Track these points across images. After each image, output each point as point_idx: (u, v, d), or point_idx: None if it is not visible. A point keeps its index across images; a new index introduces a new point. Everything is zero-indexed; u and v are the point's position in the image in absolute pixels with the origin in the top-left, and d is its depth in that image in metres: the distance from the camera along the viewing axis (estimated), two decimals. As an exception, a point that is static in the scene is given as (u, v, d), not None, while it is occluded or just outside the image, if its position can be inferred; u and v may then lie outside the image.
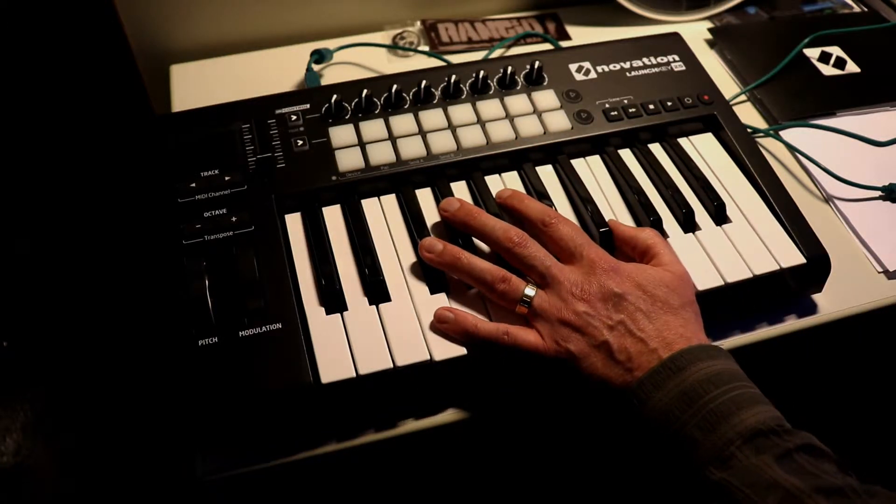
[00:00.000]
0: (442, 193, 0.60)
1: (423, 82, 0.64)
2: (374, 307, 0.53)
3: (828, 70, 0.81)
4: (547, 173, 0.63)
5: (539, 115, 0.65)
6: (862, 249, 0.66)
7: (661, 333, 0.49)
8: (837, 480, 0.41)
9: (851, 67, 0.81)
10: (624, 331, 0.49)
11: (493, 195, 0.59)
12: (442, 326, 0.51)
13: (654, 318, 0.49)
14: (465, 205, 0.56)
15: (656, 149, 0.66)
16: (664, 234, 0.59)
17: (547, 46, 0.84)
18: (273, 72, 0.79)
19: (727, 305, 0.58)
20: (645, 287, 0.51)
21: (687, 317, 0.50)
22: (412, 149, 0.61)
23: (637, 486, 0.71)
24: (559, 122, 0.64)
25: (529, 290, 0.51)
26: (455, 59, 0.81)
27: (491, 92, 0.66)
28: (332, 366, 0.49)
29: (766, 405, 0.45)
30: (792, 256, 0.57)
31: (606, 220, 0.58)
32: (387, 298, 0.53)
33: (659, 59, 0.70)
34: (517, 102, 0.65)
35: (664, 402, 0.45)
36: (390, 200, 0.60)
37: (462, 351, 0.51)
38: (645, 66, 0.70)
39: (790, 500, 0.40)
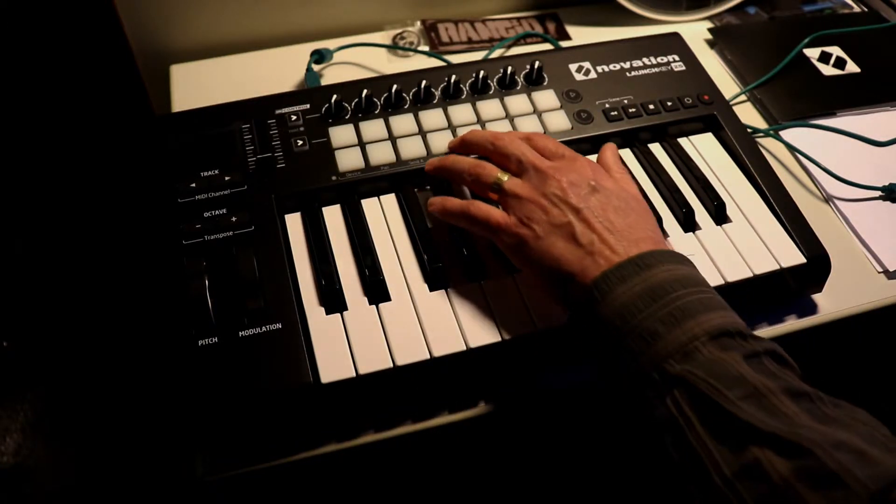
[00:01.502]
0: (442, 193, 0.59)
1: (423, 82, 0.64)
2: (373, 307, 0.53)
3: (828, 70, 0.81)
4: (547, 173, 0.63)
5: (539, 115, 0.65)
6: (862, 249, 0.66)
7: (630, 230, 0.47)
8: (804, 386, 0.40)
9: (851, 67, 0.81)
10: (590, 215, 0.48)
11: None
12: (430, 209, 0.55)
13: (624, 215, 0.48)
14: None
15: (656, 149, 0.66)
16: (664, 234, 0.59)
17: (547, 46, 0.84)
18: (273, 72, 0.79)
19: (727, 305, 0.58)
20: (621, 192, 0.50)
21: (656, 229, 0.49)
22: (412, 149, 0.61)
23: (635, 486, 0.71)
24: (559, 122, 0.64)
25: (503, 176, 0.52)
26: (455, 59, 0.81)
27: (491, 92, 0.66)
28: (332, 366, 0.49)
29: (732, 313, 0.44)
30: (792, 256, 0.57)
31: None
32: (387, 298, 0.53)
33: (659, 59, 0.70)
34: (517, 102, 0.65)
35: (627, 296, 0.43)
36: (390, 200, 0.60)
37: (461, 347, 0.51)
38: (645, 66, 0.70)
39: (757, 396, 0.38)
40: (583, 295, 0.45)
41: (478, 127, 0.63)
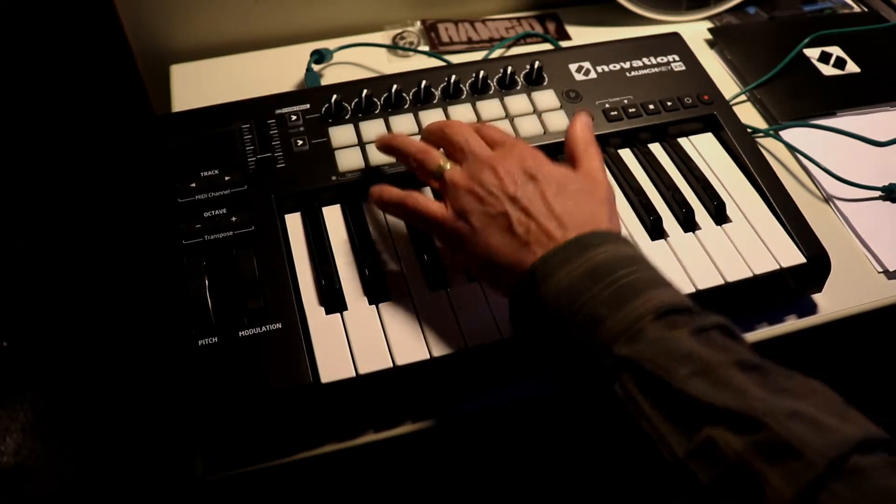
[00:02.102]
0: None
1: (423, 82, 0.64)
2: (373, 307, 0.53)
3: (828, 70, 0.81)
4: (547, 173, 0.63)
5: (539, 115, 0.65)
6: (862, 249, 0.66)
7: (569, 215, 0.46)
8: (755, 358, 0.39)
9: (851, 67, 0.81)
10: (527, 203, 0.46)
11: None
12: (371, 198, 0.53)
13: (562, 201, 0.47)
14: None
15: (656, 149, 0.66)
16: (664, 234, 0.59)
17: (547, 46, 0.84)
18: (273, 72, 0.79)
19: (727, 305, 0.57)
20: (560, 178, 0.49)
21: (599, 210, 0.48)
22: (412, 149, 0.61)
23: (634, 486, 0.71)
24: (559, 122, 0.64)
25: (445, 164, 0.51)
26: (455, 59, 0.81)
27: (491, 92, 0.66)
28: (332, 365, 0.49)
29: (677, 290, 0.43)
30: (792, 256, 0.57)
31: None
32: (387, 298, 0.53)
33: (659, 59, 0.70)
34: (517, 102, 0.65)
35: (569, 279, 0.42)
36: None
37: (461, 346, 0.51)
38: (645, 66, 0.70)
39: (706, 371, 0.37)
40: (522, 282, 0.44)
41: (478, 127, 0.63)
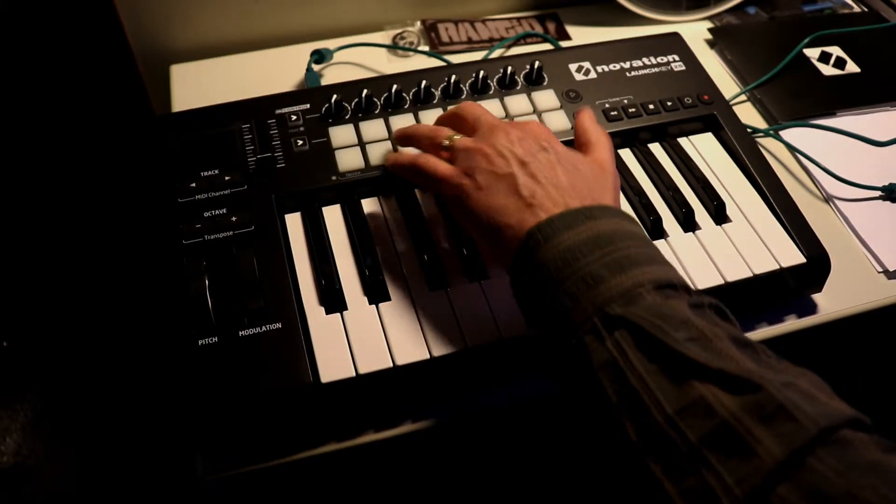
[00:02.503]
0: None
1: (423, 82, 0.64)
2: (373, 307, 0.53)
3: (828, 70, 0.81)
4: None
5: (539, 115, 0.65)
6: (862, 249, 0.66)
7: (575, 189, 0.46)
8: (749, 339, 0.39)
9: (851, 67, 0.81)
10: (536, 169, 0.46)
11: None
12: (386, 163, 0.56)
13: (571, 175, 0.47)
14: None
15: (656, 149, 0.66)
16: (664, 234, 0.59)
17: (547, 46, 0.84)
18: (273, 72, 0.79)
19: (727, 305, 0.57)
20: (572, 158, 0.49)
21: (606, 190, 0.48)
22: (412, 149, 0.61)
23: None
24: (559, 122, 0.64)
25: (455, 135, 0.52)
26: (455, 59, 0.81)
27: (491, 92, 0.66)
28: (332, 365, 0.49)
29: (678, 273, 0.43)
30: (792, 256, 0.57)
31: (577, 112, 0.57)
32: (387, 298, 0.53)
33: (659, 59, 0.70)
34: (517, 102, 0.65)
35: (572, 241, 0.41)
36: (390, 200, 0.60)
37: (461, 346, 0.51)
38: (645, 66, 0.70)
39: (703, 339, 0.37)
40: (522, 243, 0.43)
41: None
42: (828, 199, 0.70)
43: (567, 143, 0.63)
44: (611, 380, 0.38)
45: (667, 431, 0.35)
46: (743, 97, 0.79)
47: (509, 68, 0.66)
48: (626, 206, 0.61)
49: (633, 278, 0.40)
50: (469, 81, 0.66)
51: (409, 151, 0.55)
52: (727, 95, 0.71)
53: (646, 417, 0.36)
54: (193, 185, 0.57)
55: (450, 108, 0.58)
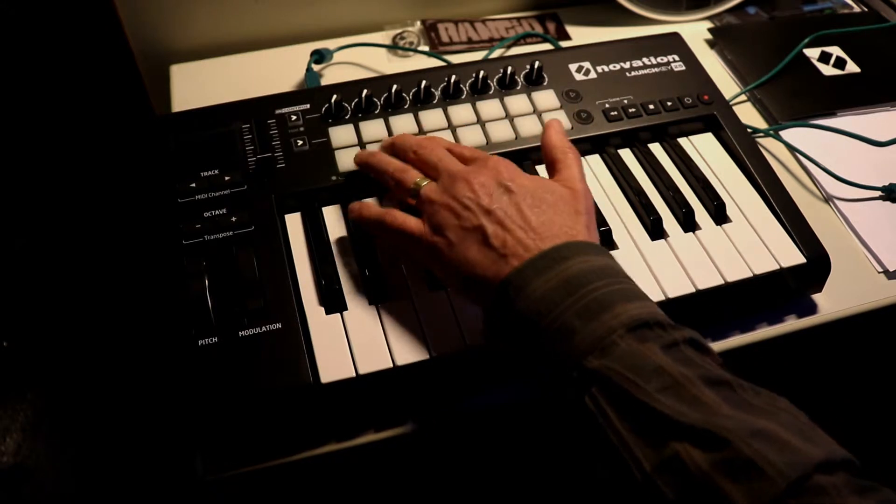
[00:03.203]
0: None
1: (423, 82, 0.64)
2: (373, 307, 0.53)
3: (828, 70, 0.81)
4: (547, 173, 0.63)
5: (539, 115, 0.65)
6: (862, 249, 0.66)
7: (544, 227, 0.46)
8: (724, 374, 0.39)
9: (851, 67, 0.81)
10: (503, 216, 0.47)
11: None
12: (350, 216, 0.55)
13: (539, 213, 0.47)
14: (367, 152, 0.58)
15: (656, 149, 0.66)
16: (664, 234, 0.59)
17: (547, 46, 0.84)
18: (273, 72, 0.79)
19: (727, 305, 0.58)
20: (537, 189, 0.49)
21: (577, 220, 0.48)
22: (412, 149, 0.61)
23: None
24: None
25: (421, 181, 0.52)
26: (455, 59, 0.81)
27: (491, 92, 0.66)
28: (332, 366, 0.49)
29: (651, 303, 0.43)
30: (792, 256, 0.57)
31: (543, 127, 0.58)
32: (387, 298, 0.53)
33: (659, 59, 0.70)
34: (517, 102, 0.65)
35: (543, 290, 0.42)
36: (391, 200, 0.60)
37: (461, 346, 0.51)
38: (645, 66, 0.70)
39: (675, 386, 0.38)
40: (499, 293, 0.44)
41: (477, 128, 0.63)
42: (828, 199, 0.70)
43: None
44: (593, 434, 0.39)
45: (646, 487, 0.36)
46: (743, 97, 0.79)
47: (509, 68, 0.66)
48: (626, 206, 0.61)
49: (605, 324, 0.40)
50: (469, 81, 0.66)
51: (372, 205, 0.54)
52: (727, 95, 0.71)
53: (626, 473, 0.37)
54: (193, 185, 0.57)
55: (408, 138, 0.56)
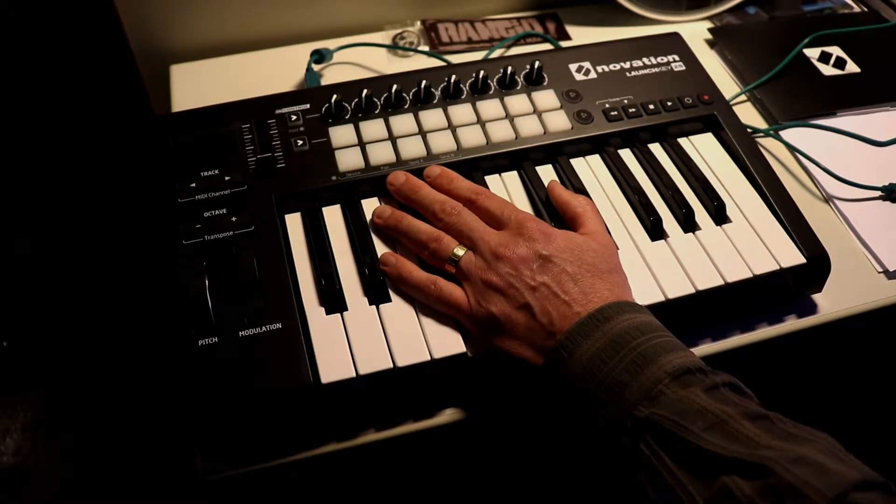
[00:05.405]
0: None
1: (423, 82, 0.64)
2: (374, 307, 0.53)
3: (828, 70, 0.81)
4: (547, 173, 0.63)
5: (539, 115, 0.65)
6: (862, 249, 0.66)
7: (586, 296, 0.49)
8: (762, 410, 0.42)
9: (851, 67, 0.81)
10: (547, 292, 0.49)
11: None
12: (384, 269, 0.54)
13: (580, 280, 0.50)
14: (410, 178, 0.58)
15: (656, 149, 0.66)
16: (664, 234, 0.59)
17: (547, 46, 0.84)
18: (273, 72, 0.79)
19: (727, 305, 0.58)
20: (573, 250, 0.51)
21: (614, 280, 0.51)
22: (412, 149, 0.61)
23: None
24: (559, 122, 0.64)
25: (459, 251, 0.52)
26: (455, 59, 0.81)
27: (491, 92, 0.66)
28: (332, 366, 0.49)
29: (690, 352, 0.46)
30: (792, 256, 0.57)
31: (546, 183, 0.59)
32: (387, 298, 0.53)
33: (659, 59, 0.70)
34: (517, 102, 0.65)
35: (592, 350, 0.45)
36: (391, 200, 0.60)
37: (461, 348, 0.51)
38: (645, 66, 0.70)
39: (719, 424, 0.41)
40: (549, 360, 0.47)
41: (477, 128, 0.63)
42: (828, 199, 0.70)
43: (569, 143, 0.63)
44: (648, 478, 0.42)
45: None
46: (743, 97, 0.79)
47: (509, 68, 0.66)
48: (626, 207, 0.61)
49: (651, 376, 0.43)
50: (469, 81, 0.66)
51: (414, 269, 0.53)
52: (727, 95, 0.71)
53: None
54: (193, 185, 0.57)
55: (431, 197, 0.56)
